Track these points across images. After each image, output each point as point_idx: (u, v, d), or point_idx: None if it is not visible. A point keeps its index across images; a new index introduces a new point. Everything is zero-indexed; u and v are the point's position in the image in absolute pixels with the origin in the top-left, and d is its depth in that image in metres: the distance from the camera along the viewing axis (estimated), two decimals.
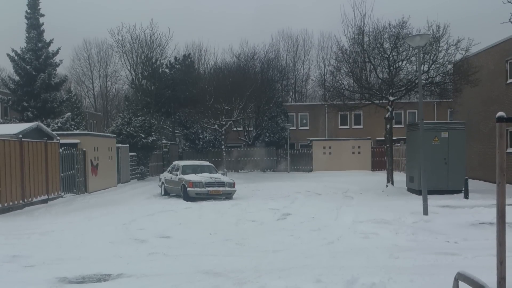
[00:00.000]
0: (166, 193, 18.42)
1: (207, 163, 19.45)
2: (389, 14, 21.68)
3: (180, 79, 35.34)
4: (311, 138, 35.58)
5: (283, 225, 10.77)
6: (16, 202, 13.51)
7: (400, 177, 20.60)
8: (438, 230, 9.54)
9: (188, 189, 16.19)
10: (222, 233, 9.72)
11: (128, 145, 24.75)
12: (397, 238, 8.84)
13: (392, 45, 18.23)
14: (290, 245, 8.35)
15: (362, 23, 19.66)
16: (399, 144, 29.35)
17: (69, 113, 26.09)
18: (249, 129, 37.63)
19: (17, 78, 25.69)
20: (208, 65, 43.25)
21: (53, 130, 18.76)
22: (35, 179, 14.66)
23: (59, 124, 23.41)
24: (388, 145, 19.56)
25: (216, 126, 30.67)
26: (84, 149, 18.76)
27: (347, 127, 40.46)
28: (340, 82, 20.51)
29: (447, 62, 18.24)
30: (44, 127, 16.64)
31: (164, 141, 32.53)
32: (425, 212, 11.55)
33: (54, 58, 26.09)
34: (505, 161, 4.03)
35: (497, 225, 4.04)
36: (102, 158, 20.42)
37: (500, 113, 4.00)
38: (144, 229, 10.26)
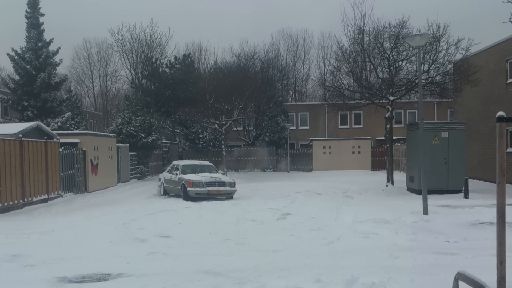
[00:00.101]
0: (166, 193, 18.32)
1: (207, 162, 19.36)
2: (389, 14, 21.74)
3: (180, 78, 35.34)
4: (311, 138, 35.59)
5: (283, 224, 10.77)
6: (16, 202, 13.51)
7: (400, 177, 20.60)
8: (438, 229, 9.55)
9: (188, 188, 16.10)
10: (222, 232, 9.72)
11: (128, 144, 24.75)
12: (397, 238, 8.84)
13: (392, 45, 18.22)
14: (290, 245, 8.36)
15: (362, 23, 19.66)
16: (399, 144, 29.35)
17: (69, 113, 26.10)
18: (249, 128, 37.63)
19: (17, 77, 25.70)
20: (208, 65, 43.30)
21: (53, 130, 18.76)
22: (35, 178, 14.66)
23: (59, 124, 23.42)
24: (388, 145, 19.56)
25: (216, 125, 30.66)
26: (84, 149, 18.75)
27: (347, 126, 40.46)
28: (340, 81, 20.52)
29: (447, 62, 18.24)
30: (44, 126, 16.64)
31: (164, 141, 32.53)
32: (425, 212, 11.55)
33: (54, 58, 26.11)
34: (505, 161, 4.03)
35: (497, 225, 4.04)
36: (102, 157, 20.42)
37: (500, 113, 4.00)
38: (144, 229, 10.26)
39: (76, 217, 12.18)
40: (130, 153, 24.96)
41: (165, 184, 18.39)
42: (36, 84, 24.80)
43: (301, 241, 8.72)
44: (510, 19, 13.87)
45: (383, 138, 23.20)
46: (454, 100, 21.80)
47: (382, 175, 22.80)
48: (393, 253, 7.48)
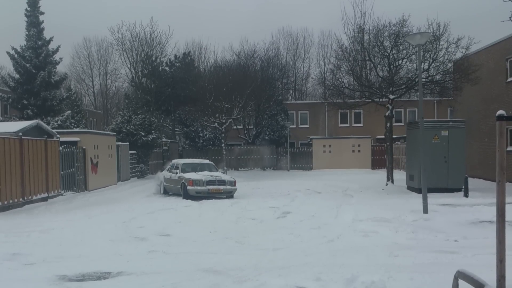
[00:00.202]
0: (166, 192, 18.18)
1: (207, 161, 19.24)
2: (389, 13, 21.63)
3: (180, 77, 35.34)
4: (311, 137, 35.59)
5: (283, 223, 10.77)
6: (16, 200, 13.52)
7: (400, 176, 20.60)
8: (438, 228, 9.55)
9: (188, 187, 15.98)
10: (222, 231, 9.73)
11: (128, 143, 24.75)
12: (397, 237, 8.85)
13: (392, 43, 18.20)
14: (290, 243, 8.36)
15: (362, 21, 19.64)
16: (399, 143, 29.34)
17: (69, 111, 26.08)
18: (249, 127, 37.63)
19: (17, 76, 25.69)
20: (208, 63, 43.30)
21: (53, 128, 18.76)
22: (35, 177, 14.66)
23: (59, 122, 23.41)
24: (388, 144, 19.55)
25: (216, 124, 30.66)
26: (84, 147, 18.76)
27: (347, 125, 40.45)
28: (340, 80, 20.49)
29: (447, 61, 18.22)
30: (44, 125, 16.64)
31: (164, 139, 32.54)
32: (425, 210, 11.55)
33: (54, 56, 26.08)
34: (505, 160, 4.03)
35: (497, 223, 4.05)
36: (102, 156, 20.42)
37: (500, 112, 4.00)
38: (144, 227, 10.26)
39: (76, 216, 12.18)
40: (130, 151, 24.97)
41: (164, 183, 18.23)
42: (36, 82, 24.78)
43: (301, 239, 8.72)
44: (510, 17, 13.83)
45: (383, 136, 23.20)
46: (454, 99, 21.80)
47: (382, 173, 22.81)
48: (393, 251, 7.49)
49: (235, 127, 36.34)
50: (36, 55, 25.13)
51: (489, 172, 20.16)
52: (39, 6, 25.43)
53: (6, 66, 48.06)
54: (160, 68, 36.51)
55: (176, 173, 17.34)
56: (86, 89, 58.68)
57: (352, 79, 20.11)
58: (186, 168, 17.41)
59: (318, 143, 33.45)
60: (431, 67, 18.05)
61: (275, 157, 33.95)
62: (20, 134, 14.01)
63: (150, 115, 29.40)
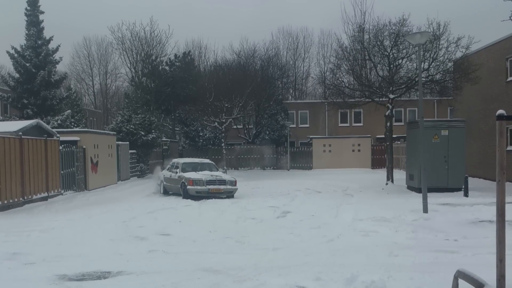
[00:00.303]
0: (166, 192, 18.04)
1: (207, 160, 19.12)
2: (390, 12, 21.73)
3: (180, 76, 35.34)
4: (311, 136, 35.59)
5: (283, 223, 10.77)
6: (16, 200, 13.52)
7: (400, 175, 20.60)
8: (438, 228, 9.55)
9: (188, 187, 15.88)
10: (222, 230, 9.73)
11: (128, 142, 24.75)
12: (397, 236, 8.85)
13: (392, 43, 18.19)
14: (290, 243, 8.36)
15: (362, 21, 19.63)
16: (399, 142, 29.35)
17: (69, 111, 26.08)
18: (249, 126, 37.63)
19: (17, 75, 25.69)
20: (208, 63, 43.28)
21: (53, 128, 18.75)
22: (35, 176, 14.66)
23: (59, 122, 23.41)
24: (388, 143, 19.55)
25: (216, 123, 30.67)
26: (84, 147, 18.75)
27: (347, 125, 40.46)
28: (340, 79, 20.48)
29: (447, 60, 18.21)
30: (44, 124, 16.63)
31: (164, 139, 32.55)
32: (425, 210, 11.56)
33: (54, 56, 26.09)
34: (505, 159, 4.03)
35: (497, 223, 4.05)
36: (102, 155, 20.42)
37: (500, 111, 4.00)
38: (144, 227, 10.27)
39: (76, 215, 12.18)
40: (130, 151, 24.97)
41: (164, 183, 18.11)
42: (36, 82, 24.78)
43: (301, 239, 8.72)
44: (510, 17, 13.84)
45: (383, 136, 23.18)
46: (454, 98, 21.79)
47: (382, 173, 22.81)
48: (393, 251, 7.49)
49: (235, 127, 36.34)
50: (36, 54, 25.13)
51: (489, 172, 20.16)
52: (39, 6, 25.44)
53: (6, 65, 48.14)
54: (160, 67, 36.51)
55: (176, 172, 17.22)
56: (86, 88, 58.74)
57: (352, 79, 20.10)
58: (186, 168, 17.29)
59: (318, 143, 33.45)
60: (431, 66, 18.04)
61: (275, 156, 33.96)
62: (20, 133, 14.01)
63: (150, 115, 29.40)
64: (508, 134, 18.95)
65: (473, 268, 4.47)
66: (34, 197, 14.57)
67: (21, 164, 13.78)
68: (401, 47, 18.21)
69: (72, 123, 24.67)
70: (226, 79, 30.60)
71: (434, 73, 18.40)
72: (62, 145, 17.08)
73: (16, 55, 25.04)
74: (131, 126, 25.66)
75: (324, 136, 38.13)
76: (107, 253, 7.65)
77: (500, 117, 3.95)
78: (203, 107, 30.38)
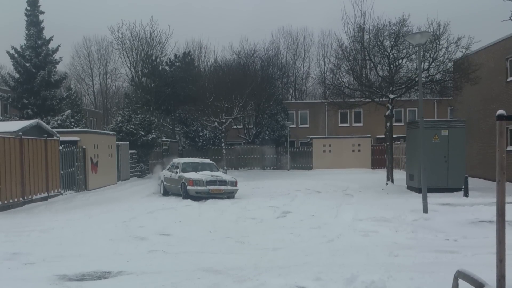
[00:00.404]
0: (166, 193, 17.85)
1: (208, 160, 18.97)
2: (390, 12, 21.73)
3: (180, 76, 35.35)
4: (311, 136, 35.59)
5: (283, 223, 10.77)
6: (16, 200, 13.52)
7: (400, 175, 20.60)
8: (438, 228, 9.55)
9: (188, 187, 15.69)
10: (222, 230, 9.73)
11: (128, 142, 24.75)
12: (397, 236, 8.85)
13: (392, 43, 18.19)
14: (290, 243, 8.36)
15: (363, 21, 19.62)
16: (399, 142, 29.35)
17: (69, 111, 26.08)
18: (249, 127, 37.63)
19: (16, 75, 25.69)
20: (208, 63, 43.28)
21: (53, 128, 18.75)
22: (35, 176, 14.66)
23: (59, 122, 23.41)
24: (388, 143, 19.55)
25: (216, 123, 30.68)
26: (84, 147, 18.75)
27: (347, 125, 40.46)
28: (340, 80, 20.48)
29: (447, 60, 18.21)
30: (44, 124, 16.63)
31: (164, 139, 32.56)
32: (425, 210, 11.56)
33: (53, 56, 26.08)
34: (505, 159, 4.03)
35: (497, 223, 4.05)
36: (102, 155, 20.42)
37: (500, 111, 4.00)
38: (144, 227, 10.27)
39: (76, 215, 12.18)
40: (130, 151, 24.97)
41: (165, 183, 17.95)
42: (36, 82, 24.78)
43: (301, 239, 8.72)
44: (510, 17, 13.84)
45: (383, 136, 23.19)
46: (454, 98, 21.79)
47: (382, 173, 22.82)
48: (393, 251, 7.49)
49: (235, 127, 36.34)
50: (36, 54, 25.12)
51: (489, 172, 20.16)
52: (39, 6, 25.43)
53: (6, 65, 48.13)
54: (160, 67, 36.51)
55: (176, 172, 17.05)
56: (86, 88, 58.74)
57: (352, 79, 20.10)
58: (186, 168, 17.12)
59: (318, 143, 33.45)
60: (431, 66, 18.04)
61: (275, 156, 33.95)
62: (20, 133, 14.01)
63: (150, 115, 29.40)
64: (508, 134, 18.94)
65: (473, 268, 4.47)
66: (34, 197, 14.57)
67: (21, 164, 13.78)
68: (401, 47, 18.22)
69: (72, 123, 24.67)
70: (226, 79, 30.61)
71: (434, 73, 18.40)
72: (62, 145, 17.08)
73: (16, 55, 25.04)
74: (131, 126, 25.66)
75: (324, 136, 38.13)
76: (107, 253, 7.65)
77: (500, 117, 3.95)
78: (203, 107, 30.38)
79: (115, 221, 10.95)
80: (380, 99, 19.89)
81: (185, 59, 37.47)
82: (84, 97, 57.41)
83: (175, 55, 38.08)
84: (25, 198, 14.06)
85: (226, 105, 29.59)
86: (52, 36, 25.83)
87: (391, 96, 18.72)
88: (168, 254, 7.56)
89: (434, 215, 11.03)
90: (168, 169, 18.36)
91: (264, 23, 68.30)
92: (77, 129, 22.68)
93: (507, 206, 4.33)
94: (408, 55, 18.41)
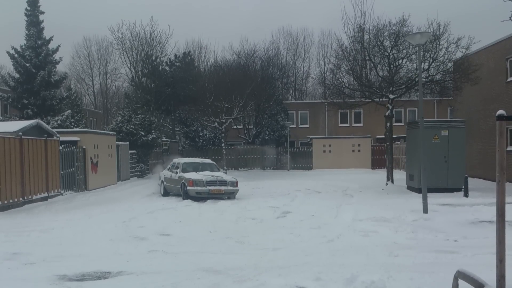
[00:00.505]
0: (166, 193, 17.65)
1: (208, 160, 18.75)
2: (390, 12, 21.74)
3: (180, 76, 35.34)
4: (311, 136, 35.59)
5: (283, 223, 10.78)
6: (16, 200, 13.52)
7: (400, 175, 20.61)
8: (438, 228, 9.55)
9: (188, 188, 15.45)
10: (222, 231, 9.73)
11: (128, 142, 24.75)
12: (396, 236, 8.85)
13: (392, 43, 18.20)
14: (290, 243, 8.36)
15: (363, 21, 19.63)
16: (399, 142, 29.35)
17: (69, 111, 26.08)
18: (249, 127, 37.63)
19: (16, 75, 25.69)
20: (208, 63, 43.29)
21: (53, 128, 18.75)
22: (35, 176, 14.66)
23: (59, 122, 23.40)
24: (388, 143, 19.55)
25: (216, 124, 30.68)
26: (84, 147, 18.76)
27: (347, 125, 40.46)
28: (340, 80, 20.48)
29: (447, 60, 18.21)
30: (44, 124, 16.63)
31: (164, 139, 32.56)
32: (425, 210, 11.56)
33: (54, 56, 26.08)
34: (505, 159, 4.03)
35: (497, 223, 4.05)
36: (102, 155, 20.42)
37: (500, 111, 3.99)
38: (144, 227, 10.27)
39: (76, 215, 12.18)
40: (130, 151, 24.97)
41: (165, 183, 17.78)
42: (36, 82, 24.78)
43: (301, 239, 8.72)
44: (510, 17, 13.84)
45: (383, 136, 23.20)
46: (454, 99, 21.81)
47: (382, 173, 22.82)
48: (392, 251, 7.49)
49: (235, 127, 36.34)
50: (36, 54, 25.12)
51: (489, 172, 20.16)
52: (39, 6, 25.43)
53: (6, 65, 48.12)
54: (160, 67, 36.51)
55: (177, 172, 16.85)
56: (86, 88, 58.74)
57: (352, 79, 20.10)
58: (187, 168, 16.89)
59: (318, 143, 33.46)
60: (431, 66, 18.05)
61: (275, 156, 33.94)
62: (20, 133, 14.01)
63: (150, 115, 29.41)
64: (508, 134, 18.95)
65: (473, 268, 4.47)
66: (34, 197, 14.57)
67: (21, 164, 13.78)
68: (401, 47, 18.23)
69: (72, 123, 24.67)
70: (226, 79, 30.60)
71: (434, 74, 18.41)
72: (62, 145, 17.08)
73: (16, 55, 25.04)
74: (131, 126, 25.67)
75: (324, 136, 38.13)
76: (107, 253, 7.65)
77: (500, 117, 3.95)
78: (203, 107, 30.37)
79: (115, 221, 10.95)
80: (380, 99, 19.89)
81: (185, 59, 37.47)
82: (84, 97, 57.43)
83: (175, 55, 38.09)
84: (25, 198, 14.06)
85: (226, 105, 29.59)
86: (52, 36, 25.85)
87: (391, 96, 18.72)
88: (168, 254, 7.56)
89: (434, 215, 11.03)
90: (168, 169, 18.19)
91: (264, 23, 68.37)
92: (77, 129, 22.68)
93: (507, 206, 4.33)
94: (408, 55, 18.43)
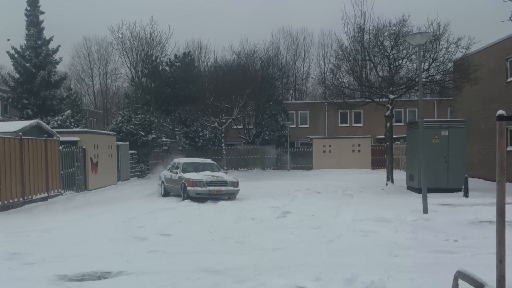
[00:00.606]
0: (167, 193, 17.49)
1: (209, 160, 18.53)
2: (390, 12, 21.70)
3: (180, 76, 35.35)
4: (311, 136, 35.59)
5: (283, 223, 10.78)
6: (16, 200, 13.52)
7: (400, 175, 20.61)
8: (438, 228, 9.55)
9: (188, 188, 15.25)
10: (222, 231, 9.73)
11: (128, 143, 24.74)
12: (396, 236, 8.85)
13: (392, 43, 18.21)
14: (289, 243, 8.36)
15: (363, 21, 19.64)
16: (399, 142, 29.35)
17: (69, 111, 26.07)
18: (249, 127, 37.62)
19: (16, 75, 25.69)
20: (208, 63, 43.32)
21: (53, 128, 18.75)
22: (35, 176, 14.66)
23: (59, 122, 23.39)
24: (388, 143, 19.55)
25: (216, 124, 30.68)
26: (84, 147, 18.76)
27: (347, 125, 40.46)
28: (340, 80, 20.49)
29: (447, 60, 18.22)
30: (44, 124, 16.63)
31: (164, 139, 32.55)
32: (425, 210, 11.56)
33: (54, 56, 26.07)
34: (505, 160, 4.03)
35: (497, 223, 4.05)
36: (102, 155, 20.42)
37: (500, 112, 4.00)
38: (144, 227, 10.27)
39: (76, 215, 12.18)
40: (130, 151, 24.97)
41: (165, 183, 17.63)
42: (36, 82, 24.78)
43: (301, 239, 8.72)
44: (510, 17, 13.84)
45: (383, 136, 23.20)
46: (454, 99, 21.82)
47: (382, 173, 22.82)
48: (392, 251, 7.49)
49: (235, 127, 36.34)
50: (36, 54, 25.12)
51: (489, 172, 20.16)
52: (39, 6, 25.42)
53: (6, 65, 48.08)
54: (160, 67, 36.51)
55: (177, 173, 16.67)
56: (86, 88, 58.72)
57: (352, 79, 20.11)
58: (187, 168, 16.69)
59: (318, 143, 33.45)
60: (431, 67, 18.06)
61: (275, 157, 33.93)
62: (20, 133, 14.01)
63: (150, 115, 29.41)
64: (508, 135, 18.94)
65: (473, 269, 4.47)
66: (34, 197, 14.57)
67: (21, 164, 13.79)
68: (401, 47, 18.23)
69: (72, 123, 24.67)
70: (226, 79, 30.61)
71: (434, 74, 18.42)
72: (62, 145, 17.08)
73: (16, 55, 25.03)
74: (131, 126, 25.67)
75: (324, 136, 38.13)
76: (107, 253, 7.65)
77: (500, 117, 3.95)
78: (203, 108, 30.37)
79: (115, 221, 10.95)
80: (380, 100, 19.90)
81: (185, 59, 37.47)
82: (84, 97, 57.42)
83: (175, 55, 38.09)
84: (25, 198, 14.06)
85: (226, 105, 29.58)
86: (52, 36, 25.84)
87: (391, 96, 18.72)
88: (168, 254, 7.56)
89: (434, 216, 11.03)
90: (168, 169, 18.04)
91: (264, 23, 68.35)
92: (77, 129, 22.68)
93: (507, 207, 4.33)
94: (408, 55, 18.43)
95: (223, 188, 15.37)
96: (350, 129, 39.59)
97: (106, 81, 57.45)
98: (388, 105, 18.95)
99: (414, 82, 18.16)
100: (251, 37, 75.22)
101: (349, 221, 10.67)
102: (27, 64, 24.82)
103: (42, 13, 25.51)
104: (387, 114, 19.03)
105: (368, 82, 19.70)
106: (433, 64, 18.01)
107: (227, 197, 15.62)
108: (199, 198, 15.22)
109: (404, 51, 18.35)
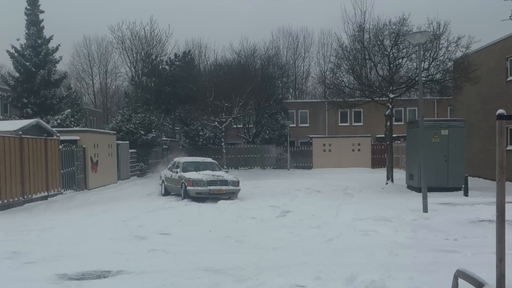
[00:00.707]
0: (167, 193, 17.34)
1: (210, 159, 18.33)
2: (390, 11, 21.58)
3: (180, 76, 35.33)
4: (311, 136, 35.58)
5: (283, 222, 10.77)
6: (16, 199, 13.52)
7: (400, 175, 20.60)
8: (438, 227, 9.55)
9: (188, 188, 15.09)
10: (222, 230, 9.72)
11: (128, 142, 24.75)
12: (396, 236, 8.85)
13: (392, 42, 18.19)
14: (289, 242, 8.36)
15: (363, 20, 19.64)
16: (399, 142, 29.34)
17: (69, 110, 26.07)
18: (249, 126, 37.63)
19: (16, 74, 25.71)
20: (208, 62, 43.31)
21: (52, 127, 18.74)
22: (35, 175, 14.66)
23: (58, 121, 23.40)
24: (388, 143, 19.55)
25: (216, 123, 30.69)
26: (84, 146, 18.76)
27: (347, 124, 40.46)
28: (340, 79, 20.48)
29: (447, 60, 18.21)
30: (44, 123, 16.63)
31: (164, 138, 32.55)
32: (425, 209, 11.56)
33: (53, 55, 26.10)
34: (505, 159, 4.02)
35: (497, 222, 4.04)
36: (102, 155, 20.42)
37: (500, 111, 3.99)
38: (144, 226, 10.26)
39: (76, 214, 12.18)
40: (130, 150, 24.97)
41: (165, 183, 17.48)
42: (36, 81, 24.78)
43: (300, 238, 8.72)
44: (510, 16, 13.82)
45: (383, 135, 23.20)
46: (454, 98, 21.78)
47: (382, 172, 22.81)
48: (392, 250, 7.49)
49: (235, 126, 36.34)
50: (36, 53, 25.13)
51: (489, 171, 20.16)
52: (39, 5, 25.44)
53: (6, 64, 48.07)
54: (160, 66, 36.49)
55: (177, 172, 16.50)
56: (86, 87, 58.69)
57: (352, 78, 20.11)
58: (187, 167, 16.53)
59: (318, 142, 33.45)
60: (431, 66, 18.05)
61: (275, 156, 33.92)
62: (20, 132, 14.01)
63: (150, 114, 29.43)
64: (508, 134, 18.94)
65: (473, 268, 4.47)
66: (34, 196, 14.58)
67: (21, 164, 13.78)
68: (401, 46, 18.22)
69: (72, 123, 24.66)
70: (226, 79, 30.62)
71: (434, 73, 18.42)
72: (62, 145, 17.08)
73: (16, 54, 25.04)
74: (131, 125, 25.67)
75: (324, 135, 38.12)
76: (107, 253, 7.65)
77: (500, 116, 3.95)
78: (203, 107, 30.38)
79: (115, 221, 10.95)
80: (380, 99, 19.89)
81: (185, 58, 37.46)
82: (84, 96, 57.40)
83: (175, 54, 38.07)
84: (25, 197, 14.06)
85: (226, 104, 29.59)
86: (52, 36, 25.85)
87: (391, 95, 18.72)
88: (168, 254, 7.56)
89: (434, 215, 11.03)
90: (169, 169, 17.87)
91: (264, 22, 68.30)
92: (77, 128, 22.67)
93: (507, 206, 4.32)
94: (408, 54, 18.42)
95: (223, 187, 15.21)
96: (350, 128, 39.58)
97: (106, 80, 57.48)
98: (388, 104, 18.94)
99: (414, 81, 18.16)
100: (251, 37, 75.29)
101: (349, 220, 10.67)
102: (27, 63, 24.83)
103: (42, 12, 25.53)
104: (387, 113, 19.03)
105: (368, 81, 19.69)
106: (433, 63, 18.01)
107: (227, 197, 15.45)
108: (200, 198, 15.11)
109: (404, 50, 18.34)
